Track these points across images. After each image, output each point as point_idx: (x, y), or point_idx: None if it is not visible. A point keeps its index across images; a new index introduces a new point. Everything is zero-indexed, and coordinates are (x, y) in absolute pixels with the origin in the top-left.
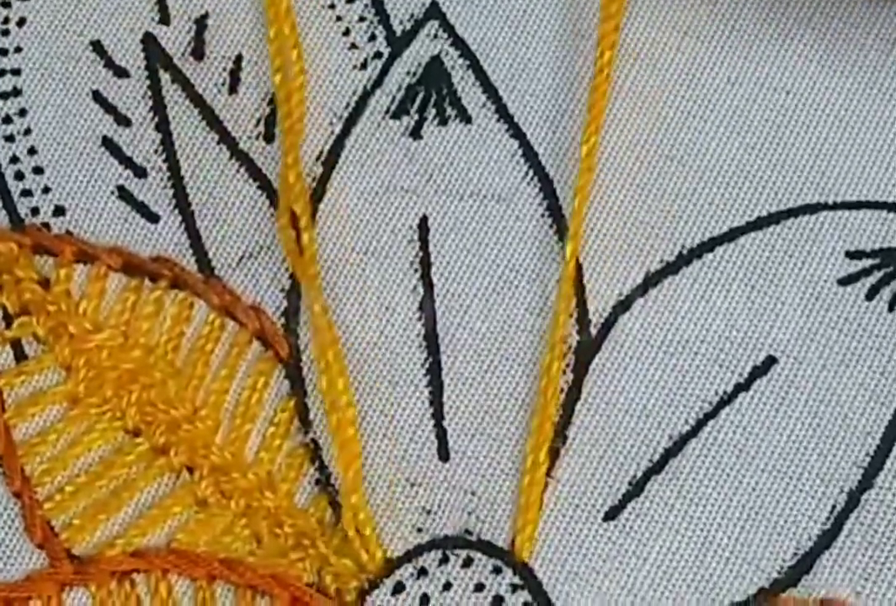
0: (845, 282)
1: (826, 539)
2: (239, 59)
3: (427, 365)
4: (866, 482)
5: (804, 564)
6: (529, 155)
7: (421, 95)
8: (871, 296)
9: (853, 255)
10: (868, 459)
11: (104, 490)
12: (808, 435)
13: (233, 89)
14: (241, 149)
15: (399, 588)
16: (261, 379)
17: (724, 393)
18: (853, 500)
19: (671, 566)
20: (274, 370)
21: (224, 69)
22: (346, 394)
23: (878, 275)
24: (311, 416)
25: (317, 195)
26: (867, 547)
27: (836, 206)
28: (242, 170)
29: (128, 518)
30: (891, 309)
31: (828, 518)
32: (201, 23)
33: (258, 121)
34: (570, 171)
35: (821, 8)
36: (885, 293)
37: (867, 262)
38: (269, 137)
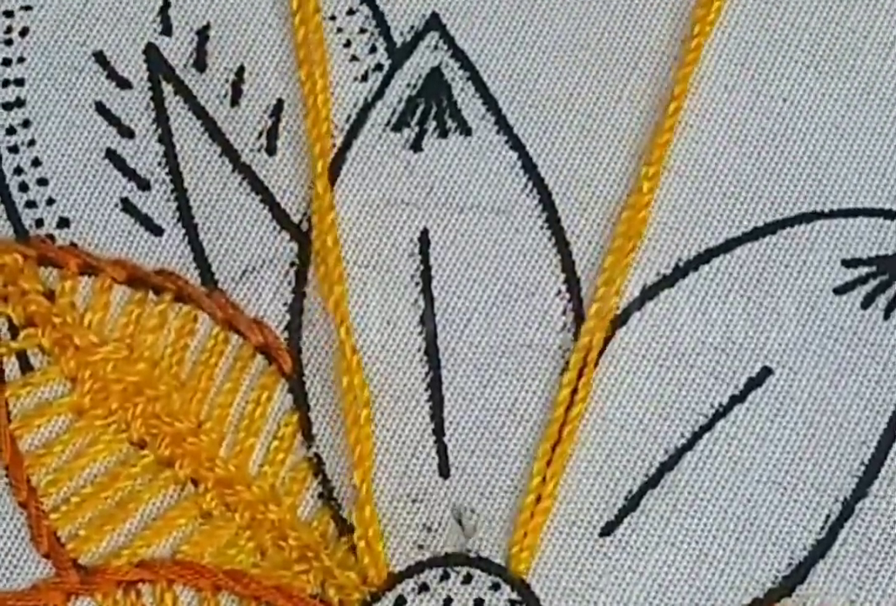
0: (841, 291)
1: (820, 549)
2: (241, 70)
3: (428, 380)
4: (860, 491)
5: (798, 574)
6: (528, 167)
7: (421, 107)
8: (866, 304)
9: (849, 264)
10: (863, 468)
11: (109, 501)
12: (803, 445)
13: (235, 101)
14: (244, 162)
15: (400, 603)
16: (264, 393)
17: (720, 405)
18: (847, 509)
19: (667, 579)
20: (277, 384)
21: (226, 80)
22: (366, 409)
23: (873, 283)
24: (315, 430)
25: None
26: (861, 556)
27: (831, 214)
28: (245, 183)
29: (133, 530)
30: (886, 318)
31: (822, 528)
32: (203, 34)
33: (260, 133)
34: (570, 184)
35: (818, 14)
36: (881, 301)
37: (863, 270)
38: (271, 150)
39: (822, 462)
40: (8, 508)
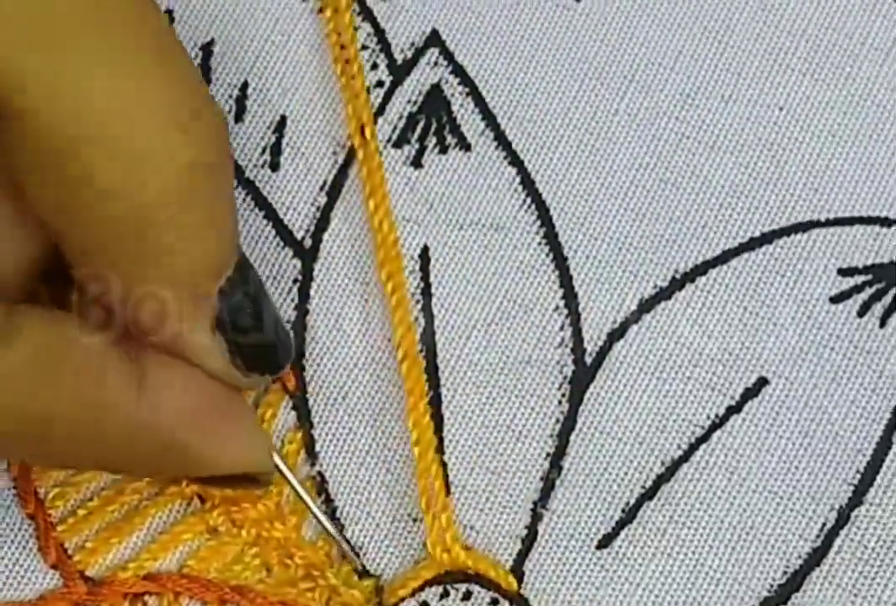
0: (837, 299)
1: (816, 557)
2: (244, 86)
3: (428, 398)
4: (856, 499)
5: (794, 582)
6: (527, 182)
7: (422, 124)
8: (862, 312)
9: (845, 272)
10: (858, 476)
11: (116, 514)
12: (799, 455)
13: (238, 117)
14: (247, 178)
15: None
16: (268, 410)
17: (717, 416)
18: (843, 517)
19: (663, 590)
20: (281, 402)
21: (230, 96)
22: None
23: (869, 291)
24: (318, 448)
25: (321, 225)
26: (857, 564)
27: (828, 223)
28: (248, 199)
29: (140, 543)
30: (882, 326)
31: (818, 536)
32: (207, 49)
33: (263, 149)
34: (567, 199)
35: (815, 20)
36: (877, 309)
37: (859, 279)
38: (274, 166)
39: (817, 470)
40: (16, 519)
